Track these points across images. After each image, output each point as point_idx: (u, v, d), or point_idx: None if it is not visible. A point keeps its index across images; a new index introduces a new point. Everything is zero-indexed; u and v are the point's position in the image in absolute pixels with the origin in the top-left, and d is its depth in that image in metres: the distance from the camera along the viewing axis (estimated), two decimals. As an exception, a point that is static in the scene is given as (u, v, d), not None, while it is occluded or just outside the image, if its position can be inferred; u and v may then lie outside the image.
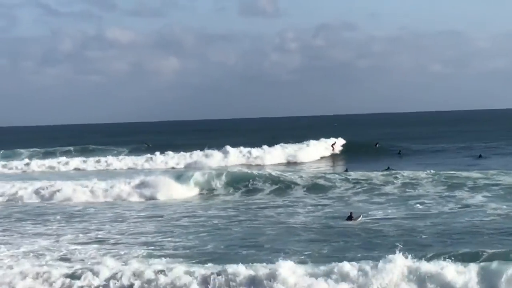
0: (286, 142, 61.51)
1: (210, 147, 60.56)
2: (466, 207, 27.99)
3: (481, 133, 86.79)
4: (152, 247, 22.05)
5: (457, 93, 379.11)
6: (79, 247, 22.40)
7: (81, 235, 24.95)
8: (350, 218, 25.65)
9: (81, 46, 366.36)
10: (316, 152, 59.00)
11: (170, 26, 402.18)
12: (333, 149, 60.12)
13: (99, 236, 24.78)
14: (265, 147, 59.36)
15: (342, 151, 60.69)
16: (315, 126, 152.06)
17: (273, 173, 39.62)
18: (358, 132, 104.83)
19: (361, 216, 26.17)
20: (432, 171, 36.55)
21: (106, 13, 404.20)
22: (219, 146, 60.88)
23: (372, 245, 21.10)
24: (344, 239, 22.13)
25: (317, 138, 62.69)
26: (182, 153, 60.31)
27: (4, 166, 60.05)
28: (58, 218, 29.57)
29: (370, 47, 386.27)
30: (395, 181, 35.12)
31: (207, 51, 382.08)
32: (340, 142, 62.54)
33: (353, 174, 37.63)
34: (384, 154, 56.32)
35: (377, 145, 61.10)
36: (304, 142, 61.45)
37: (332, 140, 61.95)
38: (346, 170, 42.19)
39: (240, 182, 37.93)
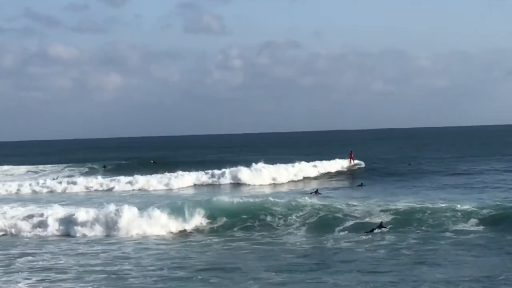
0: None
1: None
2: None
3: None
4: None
5: (399, 111, 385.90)
6: None
7: None
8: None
9: (23, 62, 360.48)
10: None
11: (113, 43, 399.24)
12: (352, 160, 56.03)
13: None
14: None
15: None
16: (261, 143, 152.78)
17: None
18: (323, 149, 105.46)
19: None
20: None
21: (49, 30, 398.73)
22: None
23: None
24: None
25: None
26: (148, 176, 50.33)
27: None
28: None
29: (314, 64, 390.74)
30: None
31: (151, 68, 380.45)
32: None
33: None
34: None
35: (410, 164, 59.73)
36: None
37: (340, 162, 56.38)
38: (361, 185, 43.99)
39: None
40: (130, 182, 47.80)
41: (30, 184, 49.54)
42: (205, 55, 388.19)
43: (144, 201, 35.08)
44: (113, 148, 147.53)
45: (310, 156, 64.27)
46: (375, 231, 25.87)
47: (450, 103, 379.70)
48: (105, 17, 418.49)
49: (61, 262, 21.97)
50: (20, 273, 20.26)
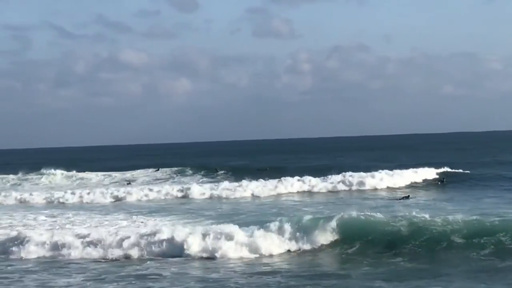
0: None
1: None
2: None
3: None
4: None
5: (469, 114, 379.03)
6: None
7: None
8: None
9: (94, 68, 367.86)
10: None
11: (183, 48, 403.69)
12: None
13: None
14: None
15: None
16: (334, 148, 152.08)
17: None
18: (389, 153, 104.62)
19: None
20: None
21: (120, 36, 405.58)
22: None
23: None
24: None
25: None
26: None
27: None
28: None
29: (383, 68, 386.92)
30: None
31: (220, 73, 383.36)
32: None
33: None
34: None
35: (444, 181, 48.99)
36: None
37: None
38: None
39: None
40: (245, 188, 46.58)
41: (158, 191, 47.74)
42: (274, 59, 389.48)
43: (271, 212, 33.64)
44: (193, 153, 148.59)
45: (390, 161, 62.98)
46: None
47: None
48: (176, 23, 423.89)
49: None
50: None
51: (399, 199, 38.92)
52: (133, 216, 34.50)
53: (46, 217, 35.96)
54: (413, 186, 47.33)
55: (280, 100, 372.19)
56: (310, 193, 46.28)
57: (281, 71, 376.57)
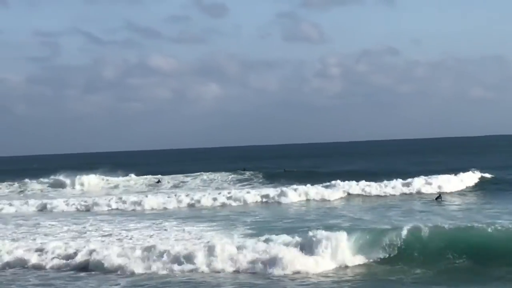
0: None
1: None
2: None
3: None
4: None
5: (500, 117, 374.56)
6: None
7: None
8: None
9: (123, 74, 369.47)
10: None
11: (212, 53, 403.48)
12: None
13: None
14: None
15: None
16: (367, 152, 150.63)
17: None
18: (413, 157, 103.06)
19: None
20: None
21: (149, 41, 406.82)
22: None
23: None
24: None
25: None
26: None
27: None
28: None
29: (412, 72, 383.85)
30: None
31: (249, 78, 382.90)
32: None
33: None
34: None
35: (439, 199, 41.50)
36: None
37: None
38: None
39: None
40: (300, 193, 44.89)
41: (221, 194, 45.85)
42: (303, 63, 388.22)
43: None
44: (228, 157, 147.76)
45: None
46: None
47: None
48: (205, 28, 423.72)
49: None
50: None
51: (436, 199, 39.13)
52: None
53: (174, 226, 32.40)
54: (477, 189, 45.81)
55: (309, 104, 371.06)
56: (382, 197, 44.42)
57: (310, 75, 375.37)
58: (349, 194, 45.76)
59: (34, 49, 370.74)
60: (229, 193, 46.60)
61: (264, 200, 44.32)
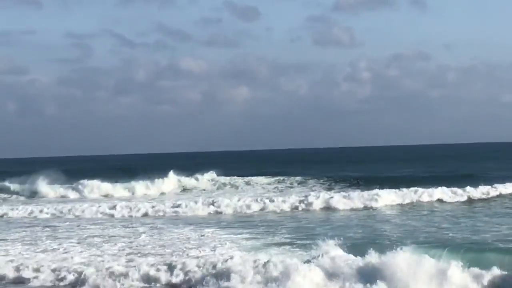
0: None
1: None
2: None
3: None
4: None
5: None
6: None
7: None
8: None
9: (154, 76, 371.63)
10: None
11: (243, 56, 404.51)
12: None
13: None
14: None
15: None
16: (402, 157, 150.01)
17: None
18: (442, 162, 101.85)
19: None
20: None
21: (180, 44, 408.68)
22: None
23: None
24: None
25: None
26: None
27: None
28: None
29: (443, 76, 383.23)
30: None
31: (279, 81, 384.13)
32: None
33: None
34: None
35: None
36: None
37: None
38: None
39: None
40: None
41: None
42: (334, 67, 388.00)
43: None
44: (273, 161, 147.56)
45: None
46: None
47: None
48: (236, 31, 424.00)
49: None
50: None
51: None
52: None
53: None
54: None
55: (339, 108, 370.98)
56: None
57: (340, 79, 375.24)
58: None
59: (65, 51, 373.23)
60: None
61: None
